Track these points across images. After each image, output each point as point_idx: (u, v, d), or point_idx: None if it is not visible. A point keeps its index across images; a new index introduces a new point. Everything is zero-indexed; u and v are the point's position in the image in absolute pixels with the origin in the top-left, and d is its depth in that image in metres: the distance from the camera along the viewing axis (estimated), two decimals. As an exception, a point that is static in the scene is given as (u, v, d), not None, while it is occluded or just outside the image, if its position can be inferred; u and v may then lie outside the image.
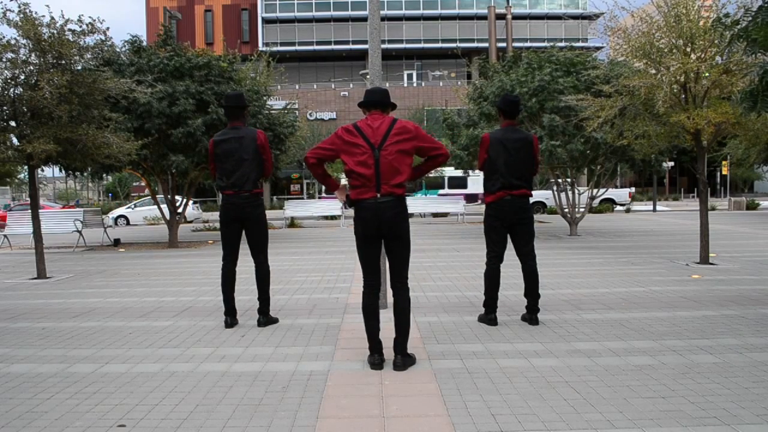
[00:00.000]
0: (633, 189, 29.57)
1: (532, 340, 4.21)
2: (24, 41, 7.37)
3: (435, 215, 22.83)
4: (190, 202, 15.09)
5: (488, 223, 4.73)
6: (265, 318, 4.85)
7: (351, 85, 42.35)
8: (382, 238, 3.68)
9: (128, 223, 23.85)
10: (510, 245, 4.72)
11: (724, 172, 36.18)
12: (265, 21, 45.04)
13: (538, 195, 23.66)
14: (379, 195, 3.58)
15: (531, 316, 4.70)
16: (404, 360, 3.65)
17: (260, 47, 39.06)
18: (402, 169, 3.63)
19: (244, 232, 4.80)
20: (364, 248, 3.70)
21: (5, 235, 13.09)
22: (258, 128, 12.03)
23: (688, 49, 7.52)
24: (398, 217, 3.63)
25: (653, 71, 7.76)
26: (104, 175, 13.86)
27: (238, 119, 4.84)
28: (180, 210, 13.34)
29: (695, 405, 2.95)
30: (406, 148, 3.65)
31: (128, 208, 25.28)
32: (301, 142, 17.52)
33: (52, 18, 7.52)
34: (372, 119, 3.69)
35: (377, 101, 3.74)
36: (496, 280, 4.70)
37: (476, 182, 30.48)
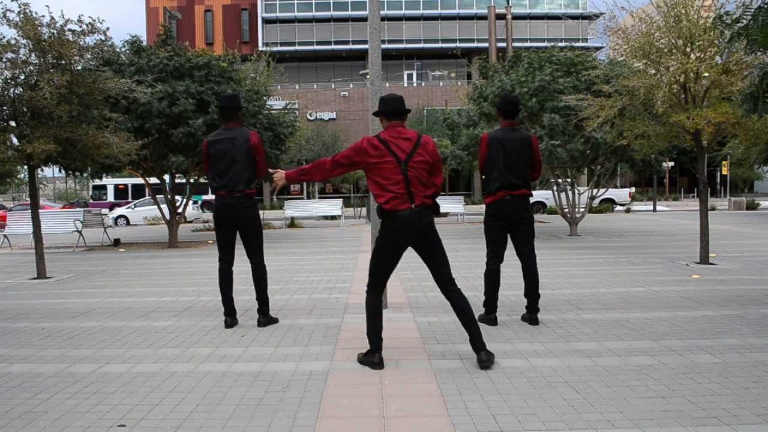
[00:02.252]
0: (633, 189, 29.55)
1: (532, 340, 4.21)
2: (24, 41, 7.37)
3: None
4: (190, 202, 15.09)
5: (488, 224, 4.73)
6: (265, 318, 4.85)
7: (351, 85, 42.32)
8: (415, 248, 3.73)
9: (128, 223, 23.86)
10: (510, 245, 4.72)
11: (724, 172, 36.16)
12: (265, 21, 45.00)
13: (538, 195, 23.66)
14: (413, 206, 3.60)
15: (531, 316, 4.70)
16: (489, 354, 3.63)
17: (260, 47, 39.04)
18: (429, 182, 3.70)
19: (238, 232, 4.81)
20: (392, 257, 3.70)
21: (5, 235, 13.09)
22: (258, 128, 12.11)
23: (688, 49, 7.52)
24: (432, 226, 3.73)
25: (653, 71, 7.76)
26: (104, 175, 13.86)
27: (232, 120, 4.83)
28: (180, 210, 13.34)
29: (695, 405, 2.95)
30: (427, 165, 3.70)
31: (128, 208, 25.27)
32: (302, 141, 17.52)
33: (52, 18, 7.52)
34: (396, 131, 3.70)
35: (399, 111, 3.76)
36: (496, 280, 4.70)
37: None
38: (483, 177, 4.82)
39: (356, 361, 3.79)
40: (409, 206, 3.58)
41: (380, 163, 3.61)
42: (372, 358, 3.68)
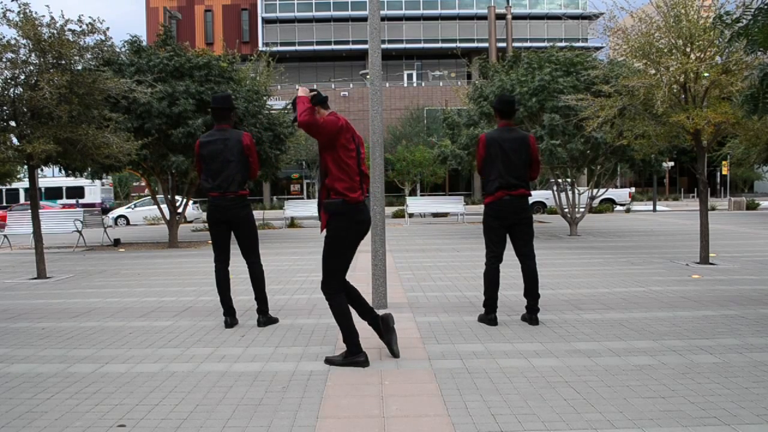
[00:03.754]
0: (633, 189, 29.57)
1: (532, 340, 4.21)
2: (24, 41, 7.37)
3: (435, 215, 22.83)
4: (190, 202, 15.10)
5: (487, 224, 4.73)
6: (265, 318, 4.85)
7: (351, 85, 42.34)
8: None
9: (128, 223, 23.86)
10: (509, 245, 4.72)
11: (724, 172, 36.18)
12: (265, 21, 45.01)
13: (538, 195, 23.68)
14: (364, 197, 3.66)
15: (531, 316, 4.70)
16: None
17: (260, 47, 39.05)
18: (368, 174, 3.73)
19: (233, 233, 4.82)
20: (352, 253, 3.68)
21: (5, 235, 13.09)
22: (258, 128, 12.10)
23: (688, 49, 7.52)
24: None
25: (653, 71, 7.76)
26: (104, 175, 13.86)
27: (225, 121, 4.83)
28: (180, 210, 13.34)
29: (695, 405, 2.95)
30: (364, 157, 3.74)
31: (128, 208, 25.28)
32: (302, 141, 17.52)
33: (52, 18, 7.52)
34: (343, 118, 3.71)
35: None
36: (496, 280, 4.69)
37: (94, 192, 30.78)
38: (483, 178, 4.81)
39: (324, 363, 3.74)
40: (362, 197, 3.63)
41: (348, 149, 3.56)
42: (358, 357, 3.65)
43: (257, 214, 4.96)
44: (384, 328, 3.76)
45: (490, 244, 4.71)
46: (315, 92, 3.57)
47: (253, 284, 4.85)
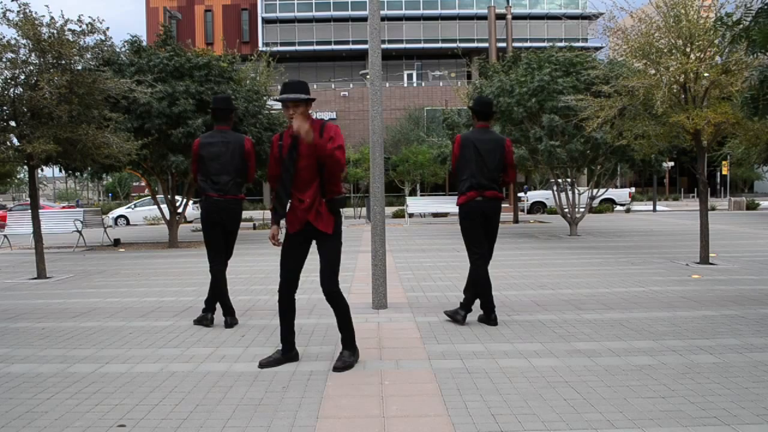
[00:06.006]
0: (633, 189, 29.56)
1: (532, 340, 4.22)
2: (24, 41, 7.36)
3: (435, 215, 22.83)
4: (190, 202, 15.09)
5: (463, 225, 4.75)
6: (211, 315, 4.85)
7: (351, 85, 42.33)
8: None
9: (128, 223, 23.85)
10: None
11: (724, 172, 36.20)
12: (265, 21, 45.01)
13: (538, 195, 23.66)
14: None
15: (489, 316, 4.69)
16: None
17: (260, 47, 39.04)
18: None
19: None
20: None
21: (5, 235, 13.09)
22: (258, 128, 12.10)
23: (688, 49, 7.52)
24: None
25: (652, 71, 7.76)
26: (104, 175, 13.86)
27: (225, 122, 4.85)
28: (180, 210, 13.34)
29: (695, 405, 2.95)
30: None
31: (128, 208, 25.28)
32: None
33: (52, 18, 7.52)
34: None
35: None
36: (487, 280, 4.68)
37: None
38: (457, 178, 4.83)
39: (354, 362, 3.71)
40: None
41: None
42: (354, 358, 3.70)
43: (257, 214, 4.97)
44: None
45: (470, 245, 4.72)
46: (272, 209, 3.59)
47: (218, 288, 4.82)
